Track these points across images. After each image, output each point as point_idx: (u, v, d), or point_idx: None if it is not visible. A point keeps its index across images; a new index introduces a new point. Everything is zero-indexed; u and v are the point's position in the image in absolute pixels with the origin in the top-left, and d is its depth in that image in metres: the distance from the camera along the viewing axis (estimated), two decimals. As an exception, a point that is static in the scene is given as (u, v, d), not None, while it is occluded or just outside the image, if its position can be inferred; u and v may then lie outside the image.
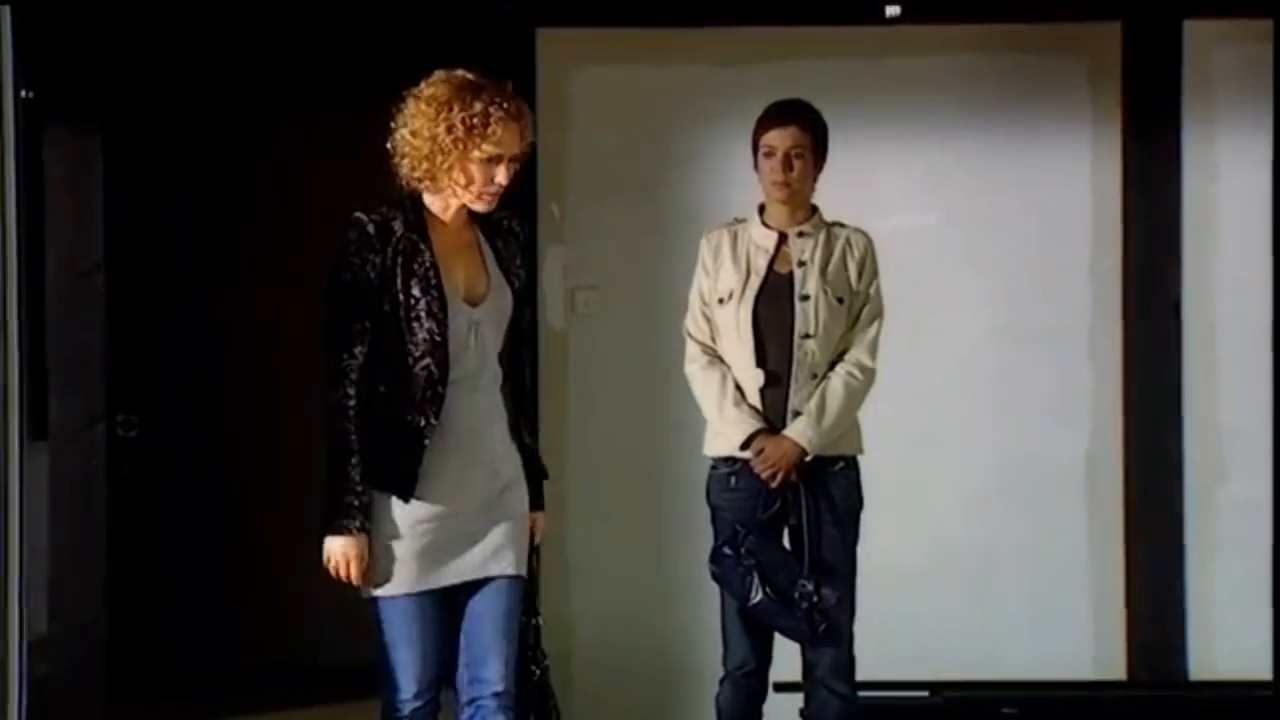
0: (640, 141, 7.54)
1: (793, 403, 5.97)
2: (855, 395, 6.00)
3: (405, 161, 4.93)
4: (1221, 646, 7.33)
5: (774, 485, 5.96)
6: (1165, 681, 7.30)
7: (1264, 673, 7.01)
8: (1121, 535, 7.39)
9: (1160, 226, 7.40)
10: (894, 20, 7.32)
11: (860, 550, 6.07)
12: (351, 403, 4.86)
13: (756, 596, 5.91)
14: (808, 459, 5.95)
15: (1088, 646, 7.40)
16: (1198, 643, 7.21)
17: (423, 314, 4.89)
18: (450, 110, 4.87)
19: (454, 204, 5.00)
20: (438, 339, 4.90)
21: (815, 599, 5.90)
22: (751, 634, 6.07)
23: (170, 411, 9.10)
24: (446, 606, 5.00)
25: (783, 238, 6.07)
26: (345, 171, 9.26)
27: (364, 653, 9.11)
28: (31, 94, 7.08)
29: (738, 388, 6.02)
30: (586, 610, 7.53)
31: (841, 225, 6.13)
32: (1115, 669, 7.40)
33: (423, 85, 4.95)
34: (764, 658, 6.12)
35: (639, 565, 7.52)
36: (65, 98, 7.16)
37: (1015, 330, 7.50)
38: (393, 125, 4.97)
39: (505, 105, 4.89)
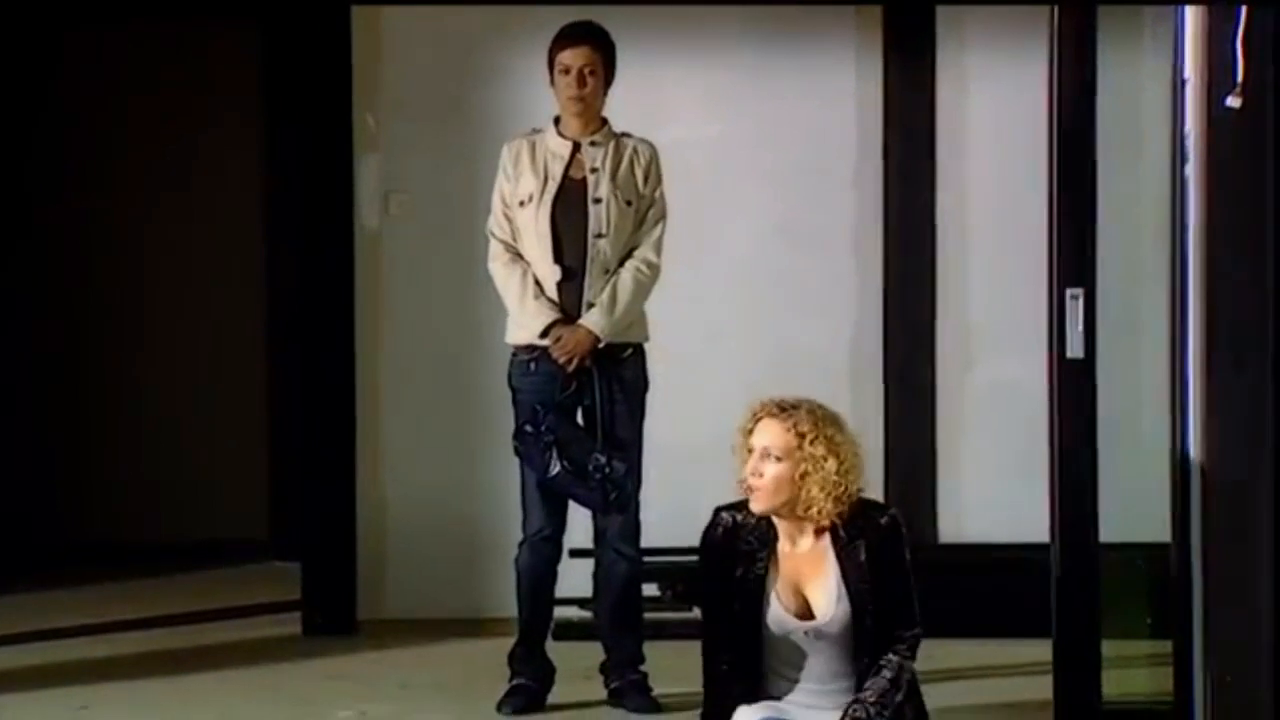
0: (448, 58, 7.74)
1: (587, 295, 6.34)
2: (643, 288, 6.38)
3: None
4: (968, 513, 7.65)
5: (570, 369, 6.33)
6: (918, 544, 7.14)
7: (1003, 537, 7.40)
8: (881, 413, 7.69)
9: (916, 137, 7.66)
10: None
11: (647, 427, 6.40)
12: None
13: (555, 469, 6.24)
14: (600, 345, 6.33)
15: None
16: (947, 510, 7.52)
17: (737, 611, 4.94)
18: None
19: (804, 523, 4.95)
20: (745, 635, 4.94)
21: (607, 470, 6.24)
22: (548, 503, 6.37)
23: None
24: None
25: (577, 147, 6.40)
26: (126, 91, 9.38)
27: (175, 531, 9.38)
28: None
29: (537, 282, 6.36)
30: (401, 486, 7.79)
31: (629, 135, 6.48)
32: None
33: None
34: (559, 524, 6.44)
35: (448, 445, 7.76)
36: None
37: (787, 231, 7.75)
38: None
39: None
